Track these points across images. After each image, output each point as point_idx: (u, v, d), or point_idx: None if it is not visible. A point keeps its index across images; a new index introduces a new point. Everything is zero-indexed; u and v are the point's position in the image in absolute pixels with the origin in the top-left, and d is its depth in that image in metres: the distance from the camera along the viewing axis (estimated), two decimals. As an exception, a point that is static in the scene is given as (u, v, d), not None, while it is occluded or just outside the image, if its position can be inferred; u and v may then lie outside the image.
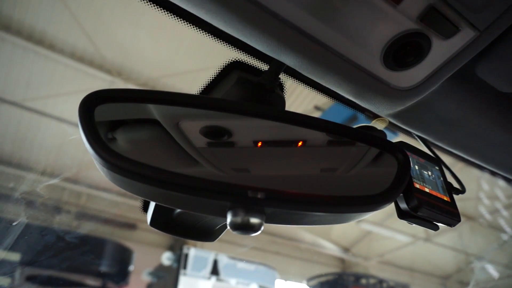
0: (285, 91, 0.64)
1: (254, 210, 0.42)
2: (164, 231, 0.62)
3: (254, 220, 0.42)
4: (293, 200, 0.43)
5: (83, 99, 0.41)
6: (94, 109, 0.41)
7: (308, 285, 6.02)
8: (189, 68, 3.83)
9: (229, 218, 0.42)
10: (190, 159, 0.46)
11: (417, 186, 0.54)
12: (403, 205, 0.54)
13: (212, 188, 0.40)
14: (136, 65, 4.06)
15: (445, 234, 6.39)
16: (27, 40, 3.67)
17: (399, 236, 6.51)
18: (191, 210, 0.52)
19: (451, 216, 0.56)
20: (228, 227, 0.43)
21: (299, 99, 4.11)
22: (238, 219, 0.41)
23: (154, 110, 0.47)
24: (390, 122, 0.71)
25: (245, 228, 0.42)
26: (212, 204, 0.43)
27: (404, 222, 0.57)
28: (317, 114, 4.17)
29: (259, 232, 0.43)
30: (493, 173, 0.82)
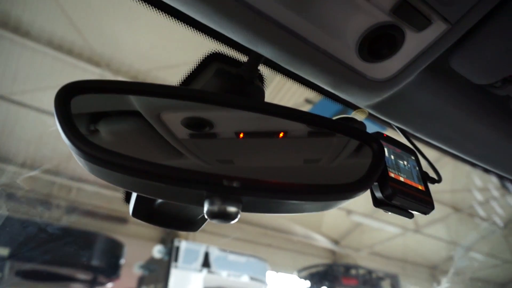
0: (265, 83, 0.64)
1: (231, 198, 0.43)
2: (146, 222, 0.63)
3: (230, 209, 0.43)
4: (268, 188, 0.44)
5: (59, 90, 0.42)
6: (70, 100, 0.42)
7: (298, 276, 6.08)
8: (180, 61, 3.80)
9: (206, 207, 0.43)
10: (170, 150, 0.47)
11: (392, 175, 0.56)
12: (378, 194, 0.55)
13: (188, 178, 0.41)
14: (126, 57, 4.01)
15: (434, 225, 6.49)
16: (14, 32, 3.60)
17: (389, 227, 6.60)
18: (170, 200, 0.52)
19: (425, 204, 0.57)
20: (205, 216, 0.44)
21: (290, 91, 4.11)
22: (215, 208, 0.42)
23: (134, 101, 0.48)
24: (370, 114, 0.72)
25: (222, 216, 0.43)
26: (189, 193, 0.43)
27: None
28: (308, 107, 4.17)
29: (236, 220, 0.44)
30: (469, 163, 0.84)
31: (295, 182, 0.47)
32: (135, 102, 0.47)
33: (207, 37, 0.61)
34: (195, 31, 0.59)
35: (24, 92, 4.08)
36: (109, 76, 4.07)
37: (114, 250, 4.25)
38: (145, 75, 4.15)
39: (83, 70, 4.02)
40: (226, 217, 0.43)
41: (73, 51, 3.90)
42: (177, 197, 0.46)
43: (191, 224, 0.66)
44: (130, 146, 0.44)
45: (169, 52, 3.93)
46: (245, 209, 0.46)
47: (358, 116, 0.71)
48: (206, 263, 4.68)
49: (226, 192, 0.42)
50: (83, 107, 0.43)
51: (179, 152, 0.47)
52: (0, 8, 3.48)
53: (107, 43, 3.91)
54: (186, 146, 0.48)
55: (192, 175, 0.41)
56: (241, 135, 0.52)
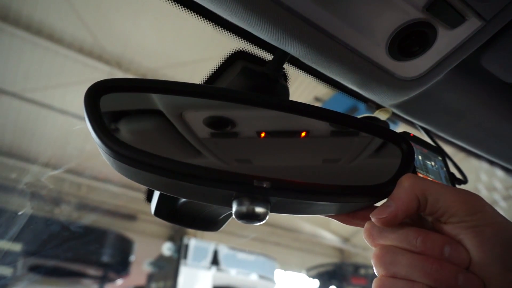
0: (288, 82, 0.64)
1: (260, 199, 0.42)
2: (168, 221, 0.62)
3: (259, 210, 0.42)
4: (298, 189, 0.43)
5: (89, 89, 0.41)
6: (99, 99, 0.41)
7: (307, 275, 6.07)
8: (190, 59, 3.81)
9: (234, 207, 0.42)
10: (195, 150, 0.46)
11: (421, 176, 0.55)
12: None
13: (218, 178, 0.41)
14: (136, 55, 4.03)
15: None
16: (26, 30, 3.64)
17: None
18: (197, 200, 0.52)
19: None
20: (234, 217, 0.43)
21: (299, 89, 4.10)
22: (244, 208, 0.42)
23: (159, 100, 0.47)
24: (393, 113, 0.71)
25: (250, 217, 0.42)
26: (218, 193, 0.43)
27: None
28: (317, 105, 4.15)
29: (264, 221, 0.43)
30: (493, 163, 0.82)
31: (325, 183, 0.46)
32: (164, 101, 0.46)
33: (229, 34, 0.60)
34: (219, 28, 0.58)
35: (36, 90, 4.12)
36: (119, 74, 4.09)
37: (124, 247, 4.29)
38: (154, 73, 4.17)
39: (94, 68, 4.05)
40: (255, 218, 0.42)
41: (83, 49, 3.93)
42: (206, 197, 0.45)
43: (213, 223, 0.66)
44: (159, 146, 0.44)
45: (179, 50, 3.94)
46: (274, 210, 0.45)
47: (382, 116, 0.70)
48: (215, 261, 4.69)
49: (256, 192, 0.42)
50: (111, 106, 0.43)
51: (206, 152, 0.46)
52: (12, 6, 3.51)
53: (117, 41, 3.93)
54: (209, 146, 0.47)
55: (223, 175, 0.41)
56: (265, 134, 0.52)
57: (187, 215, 0.63)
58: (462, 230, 0.37)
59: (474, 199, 0.38)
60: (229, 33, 0.59)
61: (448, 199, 0.38)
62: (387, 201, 0.43)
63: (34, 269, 3.07)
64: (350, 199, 0.46)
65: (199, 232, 5.27)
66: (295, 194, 0.43)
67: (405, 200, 0.40)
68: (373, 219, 0.42)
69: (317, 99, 4.36)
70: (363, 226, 0.46)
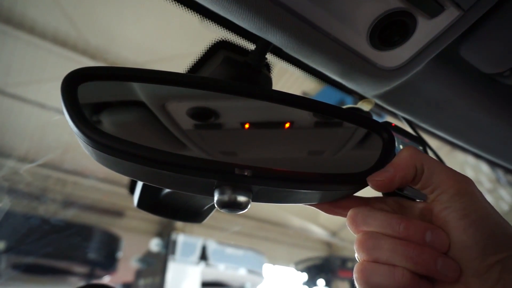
0: (271, 72, 0.63)
1: (241, 187, 0.42)
2: (151, 212, 0.62)
3: (241, 198, 0.42)
4: (280, 177, 0.43)
5: (66, 76, 0.40)
6: (77, 87, 0.41)
7: (296, 269, 6.12)
8: (176, 53, 3.76)
9: (216, 196, 0.42)
10: (176, 139, 0.46)
11: None
12: None
13: (199, 166, 0.40)
14: (122, 50, 3.97)
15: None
16: (6, 24, 3.55)
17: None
18: (179, 189, 0.51)
19: None
20: (215, 205, 0.43)
21: (288, 84, 4.10)
22: (225, 197, 0.42)
23: (139, 89, 0.47)
24: (376, 104, 0.72)
25: (232, 206, 0.42)
26: (199, 182, 0.43)
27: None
28: (304, 100, 4.15)
29: (246, 210, 0.43)
30: (475, 155, 0.84)
31: (306, 171, 0.46)
32: (144, 90, 0.46)
33: (212, 23, 0.59)
34: (201, 17, 0.57)
35: (18, 85, 4.03)
36: (104, 68, 4.01)
37: (111, 244, 4.25)
38: (140, 67, 4.10)
39: (78, 62, 3.97)
40: (236, 206, 0.42)
41: (67, 43, 3.85)
42: (187, 186, 0.45)
43: (196, 215, 0.66)
44: (140, 135, 0.43)
45: (165, 45, 3.89)
46: (256, 198, 0.45)
47: (365, 106, 0.70)
48: (203, 256, 4.68)
49: (238, 180, 0.42)
50: (90, 95, 0.42)
51: (188, 142, 0.46)
52: (-8, -1, 3.42)
53: (102, 35, 3.86)
54: (193, 137, 0.47)
55: (204, 163, 0.41)
56: (249, 124, 0.52)
57: (171, 206, 0.63)
58: (451, 211, 0.38)
59: (466, 181, 0.40)
60: (211, 23, 0.59)
61: (442, 175, 0.40)
62: (385, 167, 0.44)
63: (17, 267, 3.02)
64: (331, 186, 0.47)
65: (187, 228, 5.25)
66: (276, 182, 0.43)
67: (403, 166, 0.42)
68: (369, 183, 0.44)
69: (305, 93, 4.37)
70: (344, 216, 0.47)
